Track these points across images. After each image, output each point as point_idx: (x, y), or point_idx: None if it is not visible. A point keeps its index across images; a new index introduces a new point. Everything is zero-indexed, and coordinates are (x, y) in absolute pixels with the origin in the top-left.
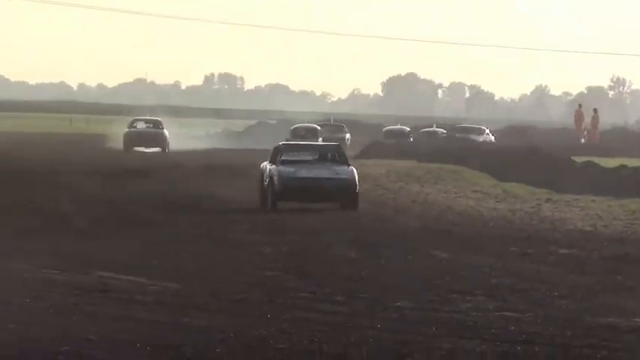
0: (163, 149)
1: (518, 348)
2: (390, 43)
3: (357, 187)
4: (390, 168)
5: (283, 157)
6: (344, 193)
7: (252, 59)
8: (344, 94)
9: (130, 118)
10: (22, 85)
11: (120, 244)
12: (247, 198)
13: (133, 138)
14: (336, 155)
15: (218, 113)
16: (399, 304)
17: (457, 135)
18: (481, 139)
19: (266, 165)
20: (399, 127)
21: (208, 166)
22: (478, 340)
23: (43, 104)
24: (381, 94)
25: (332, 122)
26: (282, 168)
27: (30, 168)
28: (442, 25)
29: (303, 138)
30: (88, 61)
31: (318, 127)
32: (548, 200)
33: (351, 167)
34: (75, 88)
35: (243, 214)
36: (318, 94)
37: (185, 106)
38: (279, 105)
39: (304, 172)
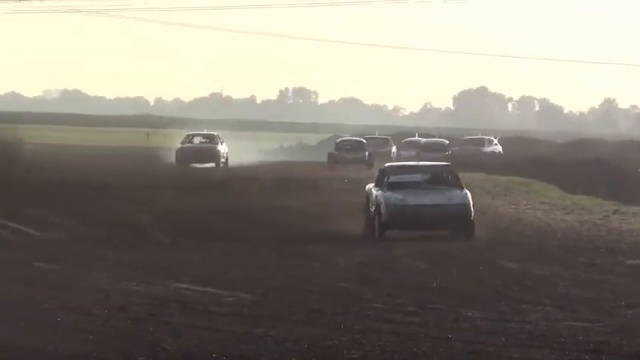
0: (217, 164)
1: (587, 357)
2: (462, 58)
3: (473, 213)
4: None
5: (390, 180)
6: (459, 221)
7: (326, 74)
8: (416, 108)
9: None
10: (101, 100)
11: (197, 255)
12: (319, 209)
13: (186, 154)
14: (447, 177)
15: (292, 127)
16: (469, 314)
17: (466, 147)
18: (489, 149)
19: (371, 189)
20: (436, 139)
21: (282, 178)
22: (547, 350)
23: (120, 119)
24: (452, 107)
25: (377, 135)
26: (389, 194)
27: (109, 181)
28: (513, 40)
29: (348, 152)
30: (165, 76)
31: (365, 140)
32: (615, 212)
33: (465, 191)
34: (152, 102)
35: (315, 225)
36: (390, 108)
37: (260, 120)
38: (351, 119)
39: (414, 199)
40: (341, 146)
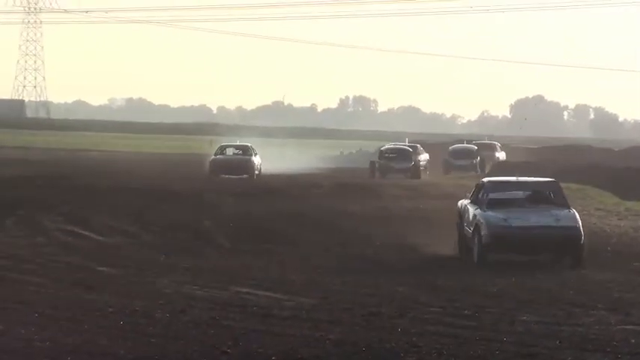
0: (251, 176)
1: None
2: (520, 66)
3: (583, 237)
4: None
5: (490, 197)
6: (568, 245)
7: (386, 82)
8: (473, 116)
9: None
10: (165, 108)
11: (258, 260)
12: (378, 213)
13: (219, 165)
14: (551, 194)
15: (352, 134)
16: (524, 318)
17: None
18: (494, 155)
19: (466, 205)
20: (465, 145)
21: (343, 184)
22: (600, 353)
23: (184, 126)
24: (509, 115)
25: (407, 143)
26: (490, 214)
27: (173, 188)
28: (569, 49)
29: (392, 161)
30: (228, 84)
31: (410, 149)
32: None
33: (573, 210)
34: (215, 110)
35: (375, 230)
36: (448, 115)
37: (321, 128)
38: (410, 127)
39: (518, 220)
40: (383, 155)
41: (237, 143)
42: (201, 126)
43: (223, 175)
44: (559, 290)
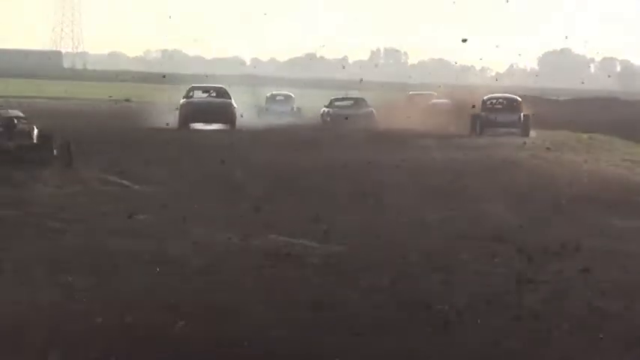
0: (232, 126)
1: None
2: (546, 18)
3: None
4: (546, 138)
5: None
6: None
7: (417, 34)
8: (502, 69)
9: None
10: (199, 59)
11: (290, 209)
12: (407, 164)
13: (193, 111)
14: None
15: (382, 86)
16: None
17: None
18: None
19: None
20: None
21: (374, 135)
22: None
23: (218, 78)
24: (537, 67)
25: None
26: None
27: (208, 139)
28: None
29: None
30: (262, 37)
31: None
32: None
33: None
34: (248, 62)
35: (405, 181)
36: (478, 68)
37: (352, 80)
38: (440, 79)
39: None
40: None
41: (210, 85)
42: (235, 77)
43: (195, 125)
44: (587, 237)
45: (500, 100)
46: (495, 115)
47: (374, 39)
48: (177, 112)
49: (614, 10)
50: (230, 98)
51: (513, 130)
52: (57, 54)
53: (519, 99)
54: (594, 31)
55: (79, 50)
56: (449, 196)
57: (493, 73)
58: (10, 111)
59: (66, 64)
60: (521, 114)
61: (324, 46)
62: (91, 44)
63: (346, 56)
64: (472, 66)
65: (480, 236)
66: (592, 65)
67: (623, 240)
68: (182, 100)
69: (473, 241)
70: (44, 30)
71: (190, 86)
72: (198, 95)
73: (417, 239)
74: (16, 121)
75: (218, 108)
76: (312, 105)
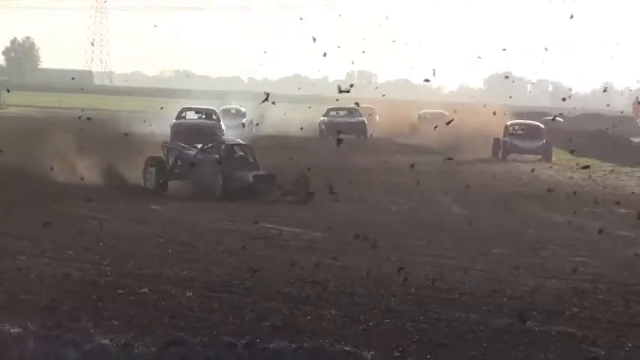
0: None
1: (586, 285)
2: (490, 46)
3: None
4: None
5: None
6: None
7: (385, 58)
8: (455, 87)
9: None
10: (205, 78)
11: (279, 202)
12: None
13: (184, 131)
14: None
15: (353, 100)
16: (494, 251)
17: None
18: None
19: None
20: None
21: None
22: (554, 280)
23: (220, 93)
24: (483, 87)
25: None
26: None
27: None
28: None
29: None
30: (256, 58)
31: (243, 109)
32: (612, 171)
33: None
34: (246, 80)
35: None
36: (434, 87)
37: (330, 96)
38: (405, 96)
39: None
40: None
41: (201, 107)
42: (234, 93)
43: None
44: (522, 229)
45: (524, 127)
46: (519, 141)
47: (347, 62)
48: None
49: (549, 40)
50: (219, 120)
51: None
52: (88, 73)
53: (542, 126)
54: (532, 57)
55: (107, 69)
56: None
57: (447, 91)
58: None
59: (96, 81)
60: (544, 140)
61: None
62: (117, 64)
63: (326, 76)
64: (429, 85)
65: None
66: (529, 86)
67: None
68: (174, 121)
69: None
70: (78, 53)
71: (182, 107)
72: (190, 116)
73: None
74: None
75: (207, 129)
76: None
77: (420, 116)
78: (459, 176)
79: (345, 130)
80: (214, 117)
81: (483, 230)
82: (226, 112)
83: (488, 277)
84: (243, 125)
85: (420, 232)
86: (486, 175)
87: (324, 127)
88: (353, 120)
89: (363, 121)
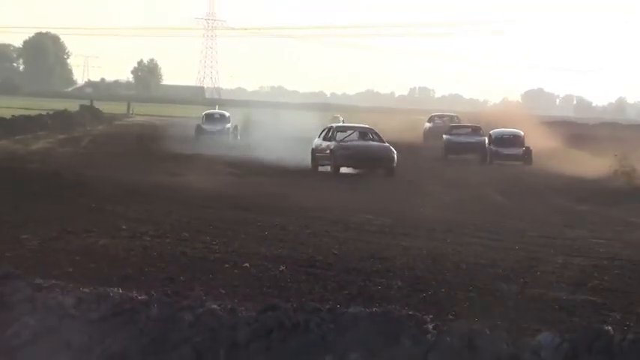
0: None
1: (605, 262)
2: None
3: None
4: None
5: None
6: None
7: (439, 75)
8: (497, 100)
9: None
10: (295, 93)
11: (357, 193)
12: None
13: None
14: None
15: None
16: (530, 233)
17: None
18: None
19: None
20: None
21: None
22: (580, 258)
23: (307, 105)
24: (520, 100)
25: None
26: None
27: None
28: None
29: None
30: (339, 75)
31: (227, 114)
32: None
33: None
34: (328, 94)
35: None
36: (481, 100)
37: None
38: (457, 108)
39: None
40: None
41: (357, 125)
42: (319, 105)
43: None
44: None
45: (507, 136)
46: (502, 148)
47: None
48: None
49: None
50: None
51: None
52: (201, 88)
53: (522, 134)
54: (561, 74)
55: (216, 85)
56: None
57: (491, 103)
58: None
59: (207, 95)
60: (525, 147)
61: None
62: (224, 81)
63: (392, 91)
64: (477, 99)
65: None
66: (557, 100)
67: None
68: (324, 143)
69: None
70: (192, 72)
71: (332, 126)
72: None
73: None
74: None
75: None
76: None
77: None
78: (495, 172)
79: (465, 150)
80: (373, 136)
81: (520, 216)
82: (209, 116)
83: (525, 255)
84: (228, 130)
85: (470, 217)
86: (517, 170)
87: (443, 145)
88: (474, 140)
89: (484, 141)
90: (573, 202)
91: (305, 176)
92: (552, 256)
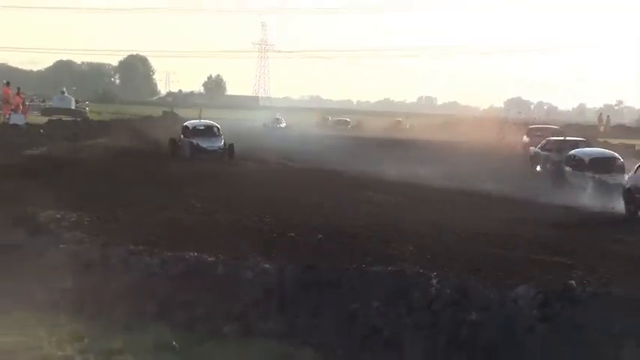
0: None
1: (573, 232)
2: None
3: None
4: None
5: None
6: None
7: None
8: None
9: None
10: (329, 101)
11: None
12: None
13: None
14: None
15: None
16: (496, 214)
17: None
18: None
19: None
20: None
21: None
22: (555, 230)
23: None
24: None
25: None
26: None
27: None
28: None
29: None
30: (362, 85)
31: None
32: None
33: None
34: (354, 102)
35: None
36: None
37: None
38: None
39: None
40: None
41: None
42: (344, 110)
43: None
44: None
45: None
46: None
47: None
48: None
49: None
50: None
51: None
52: (255, 98)
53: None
54: (536, 83)
55: (268, 95)
56: None
57: (482, 109)
58: None
59: (261, 103)
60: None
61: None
62: (274, 92)
63: (404, 99)
64: (471, 105)
65: None
66: (532, 106)
67: None
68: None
69: None
70: (248, 85)
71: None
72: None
73: None
74: None
75: None
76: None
77: None
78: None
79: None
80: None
81: (501, 199)
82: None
83: (506, 231)
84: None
85: (463, 198)
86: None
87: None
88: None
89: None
90: None
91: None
92: (529, 232)
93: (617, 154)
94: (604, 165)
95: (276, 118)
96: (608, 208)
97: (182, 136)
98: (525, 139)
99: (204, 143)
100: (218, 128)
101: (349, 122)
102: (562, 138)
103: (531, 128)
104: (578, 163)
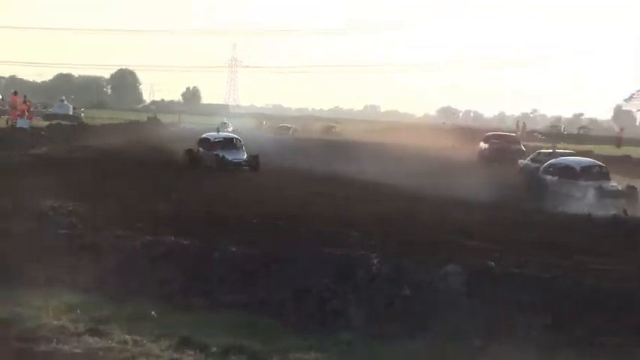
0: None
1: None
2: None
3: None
4: None
5: None
6: None
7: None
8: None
9: None
10: (302, 110)
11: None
12: None
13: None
14: None
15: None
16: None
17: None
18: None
19: None
20: None
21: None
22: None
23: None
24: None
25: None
26: None
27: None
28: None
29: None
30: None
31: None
32: None
33: None
34: (310, 110)
35: None
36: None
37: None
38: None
39: None
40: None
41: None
42: (300, 117)
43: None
44: None
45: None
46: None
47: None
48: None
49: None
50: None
51: None
52: (226, 106)
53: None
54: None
55: (237, 104)
56: None
57: (419, 115)
58: None
59: (231, 110)
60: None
61: None
62: (243, 102)
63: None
64: (408, 112)
65: None
66: (460, 114)
67: None
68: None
69: None
70: (219, 95)
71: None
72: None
73: None
74: None
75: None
76: None
77: None
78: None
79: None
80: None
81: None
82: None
83: (462, 219)
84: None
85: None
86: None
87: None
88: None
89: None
90: None
91: None
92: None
93: (600, 162)
94: (594, 173)
95: (223, 122)
96: (609, 213)
97: (200, 148)
98: (483, 145)
99: (230, 156)
100: (239, 140)
101: (290, 127)
102: (551, 150)
103: (488, 135)
104: (567, 172)
